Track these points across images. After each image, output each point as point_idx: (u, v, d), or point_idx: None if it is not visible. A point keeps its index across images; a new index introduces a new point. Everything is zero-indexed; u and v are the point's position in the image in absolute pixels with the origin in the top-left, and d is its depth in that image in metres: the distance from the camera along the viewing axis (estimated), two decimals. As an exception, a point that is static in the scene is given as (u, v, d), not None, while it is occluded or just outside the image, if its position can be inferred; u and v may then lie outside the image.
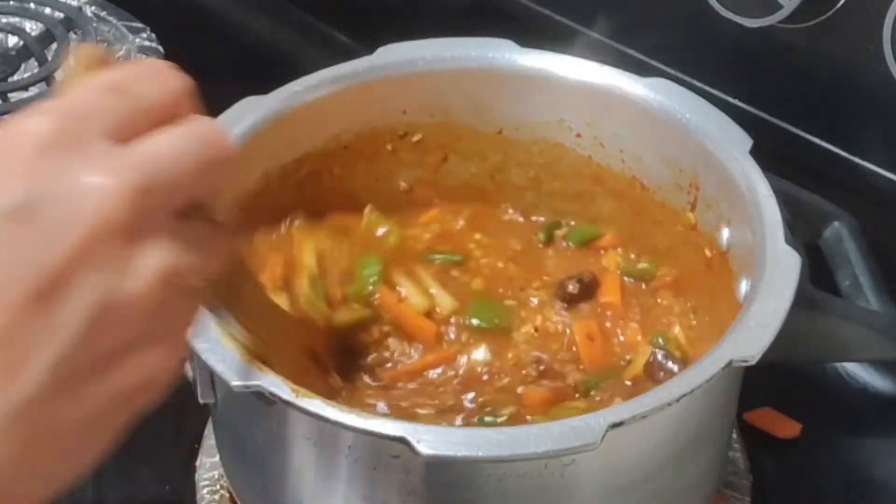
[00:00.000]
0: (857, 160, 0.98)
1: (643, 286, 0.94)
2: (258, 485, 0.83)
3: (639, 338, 0.91)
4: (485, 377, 0.88)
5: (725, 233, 0.88)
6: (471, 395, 0.87)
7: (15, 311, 0.54)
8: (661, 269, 0.94)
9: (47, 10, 1.28)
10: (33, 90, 1.20)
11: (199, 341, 0.75)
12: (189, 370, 0.82)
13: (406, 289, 0.93)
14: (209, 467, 0.92)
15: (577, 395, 0.87)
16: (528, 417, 0.84)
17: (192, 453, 0.93)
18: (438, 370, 0.88)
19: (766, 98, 1.02)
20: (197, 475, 0.92)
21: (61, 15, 1.27)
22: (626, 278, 0.94)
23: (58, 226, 0.55)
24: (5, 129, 0.57)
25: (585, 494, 0.76)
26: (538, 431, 0.71)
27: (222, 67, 1.22)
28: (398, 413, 0.85)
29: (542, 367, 0.88)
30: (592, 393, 0.87)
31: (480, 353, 0.89)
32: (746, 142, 0.87)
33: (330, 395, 0.79)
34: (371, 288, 0.92)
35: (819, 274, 0.90)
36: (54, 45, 1.24)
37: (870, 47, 0.92)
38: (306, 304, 0.87)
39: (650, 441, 0.76)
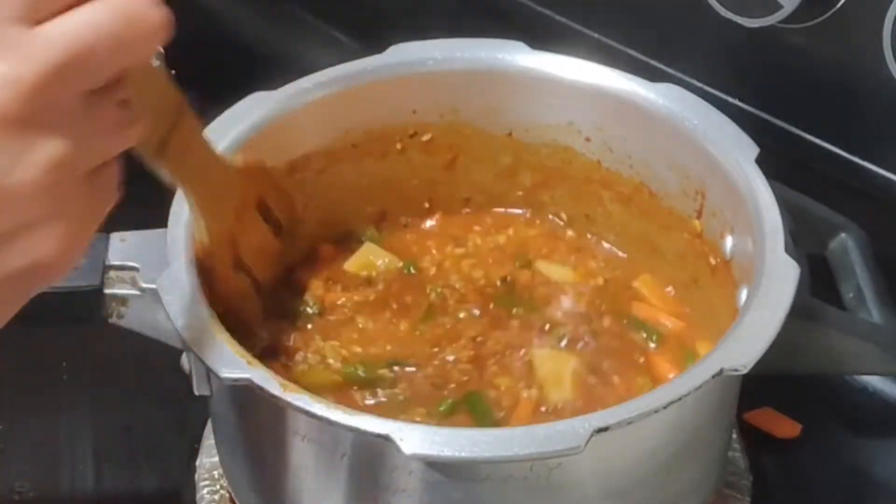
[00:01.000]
0: (857, 160, 0.98)
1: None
2: (251, 478, 0.83)
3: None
4: None
5: (729, 241, 0.88)
6: None
7: None
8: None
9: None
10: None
11: (192, 334, 0.76)
12: (185, 363, 0.83)
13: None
14: (209, 467, 0.92)
15: None
16: None
17: (192, 453, 0.93)
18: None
19: (765, 98, 1.01)
20: (197, 475, 0.92)
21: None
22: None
23: None
24: None
25: (573, 498, 0.76)
26: (522, 434, 0.71)
27: (222, 67, 1.23)
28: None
29: None
30: None
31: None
32: (753, 150, 0.87)
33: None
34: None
35: (824, 285, 0.90)
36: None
37: (870, 47, 0.92)
38: None
39: (640, 447, 0.76)
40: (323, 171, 0.95)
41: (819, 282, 0.86)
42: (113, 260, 0.83)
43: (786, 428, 0.96)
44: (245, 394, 0.75)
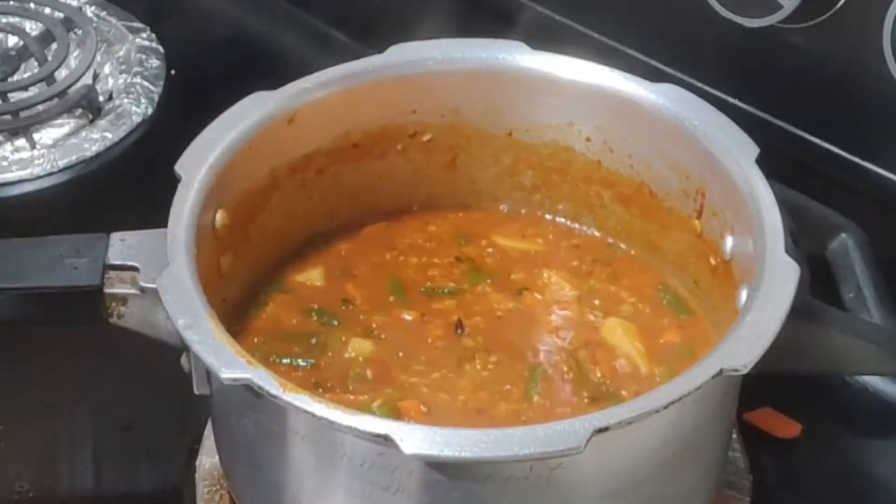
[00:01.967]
0: (857, 160, 0.98)
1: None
2: (251, 478, 0.83)
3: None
4: None
5: (729, 241, 0.88)
6: None
7: None
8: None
9: (47, 10, 1.29)
10: (33, 90, 1.20)
11: (192, 333, 0.76)
12: (185, 363, 0.82)
13: None
14: (209, 467, 0.92)
15: None
16: None
17: (192, 453, 0.93)
18: None
19: (765, 97, 1.01)
20: (197, 475, 0.92)
21: (61, 15, 1.28)
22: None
23: None
24: None
25: (574, 498, 0.76)
26: (523, 434, 0.71)
27: (222, 67, 1.24)
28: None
29: None
30: None
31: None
32: (753, 150, 0.87)
33: None
34: None
35: (824, 286, 0.90)
36: (54, 45, 1.25)
37: (870, 47, 0.92)
38: None
39: (641, 446, 0.76)
40: (323, 171, 0.95)
41: (819, 282, 0.86)
42: (113, 260, 0.83)
43: (786, 428, 0.96)
44: (244, 394, 0.75)
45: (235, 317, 0.90)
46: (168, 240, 0.81)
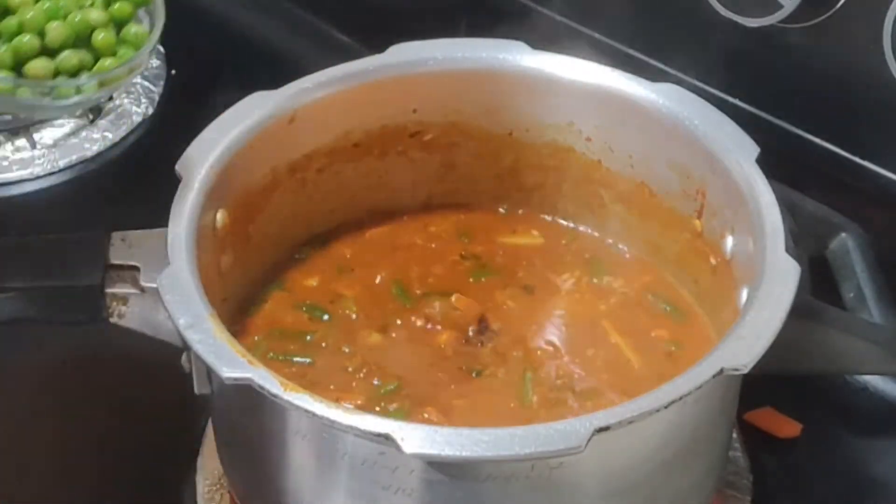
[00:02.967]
0: (857, 160, 0.98)
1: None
2: (252, 477, 0.83)
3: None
4: None
5: (730, 241, 0.88)
6: None
7: None
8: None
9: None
10: (33, 90, 1.20)
11: (193, 333, 0.76)
12: (186, 362, 0.82)
13: None
14: (209, 467, 0.92)
15: None
16: None
17: (192, 453, 0.93)
18: None
19: (765, 97, 1.02)
20: (197, 475, 0.92)
21: (61, 15, 1.27)
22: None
23: None
24: None
25: (575, 498, 0.76)
26: (524, 433, 0.71)
27: (222, 68, 1.23)
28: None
29: None
30: None
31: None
32: (753, 149, 0.87)
33: None
34: None
35: (824, 285, 0.90)
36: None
37: (870, 47, 0.92)
38: None
39: (642, 446, 0.76)
40: (323, 171, 0.95)
41: (819, 282, 0.86)
42: (113, 259, 0.83)
43: (786, 428, 0.96)
44: (246, 393, 0.75)
45: (236, 316, 0.90)
46: (168, 239, 0.81)
